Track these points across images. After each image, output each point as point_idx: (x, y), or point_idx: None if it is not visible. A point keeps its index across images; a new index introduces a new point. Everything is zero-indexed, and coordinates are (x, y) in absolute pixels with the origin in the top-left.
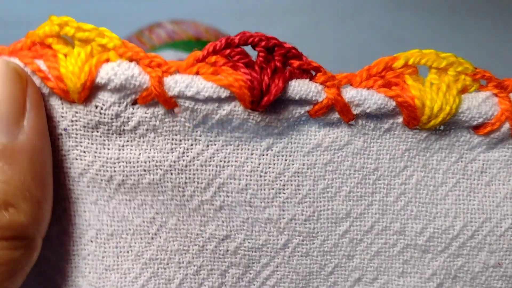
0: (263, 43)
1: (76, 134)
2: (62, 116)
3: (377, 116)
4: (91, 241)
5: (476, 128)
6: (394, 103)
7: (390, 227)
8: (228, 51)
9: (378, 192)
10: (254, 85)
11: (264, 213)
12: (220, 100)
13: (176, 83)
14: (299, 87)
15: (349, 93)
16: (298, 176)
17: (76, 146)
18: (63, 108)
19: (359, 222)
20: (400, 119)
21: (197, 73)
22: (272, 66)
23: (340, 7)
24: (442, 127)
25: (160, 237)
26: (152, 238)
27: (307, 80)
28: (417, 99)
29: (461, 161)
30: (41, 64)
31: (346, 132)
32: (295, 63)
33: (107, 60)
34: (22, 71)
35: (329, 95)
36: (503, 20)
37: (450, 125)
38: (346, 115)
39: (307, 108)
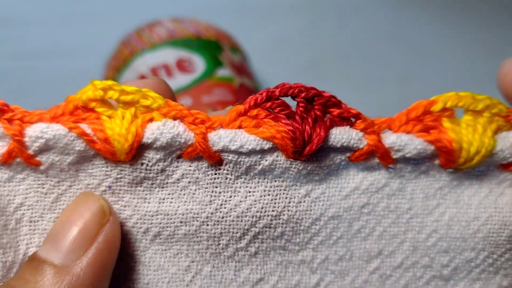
0: (303, 94)
1: (120, 190)
2: (107, 174)
3: (415, 159)
4: None
5: (504, 166)
6: (432, 147)
7: (419, 262)
8: (269, 104)
9: (410, 230)
10: (296, 135)
11: (297, 256)
12: (263, 152)
13: (220, 138)
14: (340, 135)
15: (390, 139)
16: (334, 220)
17: (118, 201)
18: (107, 167)
19: (390, 259)
20: (436, 161)
21: (240, 127)
22: (312, 116)
23: (341, 6)
24: None
25: (195, 284)
26: (187, 285)
27: (348, 127)
28: (454, 143)
29: (492, 195)
30: (85, 127)
31: (383, 175)
32: (335, 111)
33: (151, 120)
34: (107, 210)
35: (370, 142)
36: (506, 18)
37: (483, 163)
38: (386, 160)
39: (348, 154)
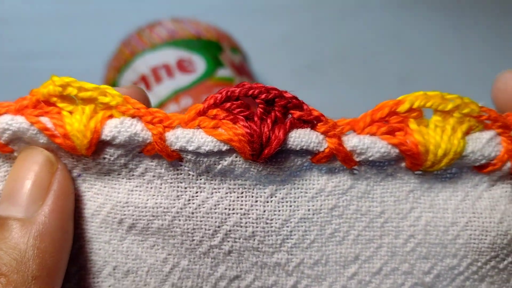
0: (263, 96)
1: (90, 178)
2: (74, 164)
3: (380, 162)
4: (110, 275)
5: (478, 168)
6: (397, 151)
7: (398, 268)
8: (228, 104)
9: (386, 235)
10: (253, 138)
11: (272, 258)
12: (221, 153)
13: (177, 139)
14: (299, 138)
15: (351, 142)
16: (305, 222)
17: (91, 188)
18: (73, 158)
19: (368, 264)
20: (403, 164)
21: (198, 126)
22: (272, 117)
23: (341, 6)
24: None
25: (174, 275)
26: (167, 276)
27: (308, 129)
28: (420, 145)
29: (468, 199)
30: (47, 121)
31: (348, 177)
32: (296, 113)
33: (111, 116)
34: (53, 159)
35: (330, 145)
36: (505, 19)
37: (453, 165)
38: (348, 162)
39: (309, 157)
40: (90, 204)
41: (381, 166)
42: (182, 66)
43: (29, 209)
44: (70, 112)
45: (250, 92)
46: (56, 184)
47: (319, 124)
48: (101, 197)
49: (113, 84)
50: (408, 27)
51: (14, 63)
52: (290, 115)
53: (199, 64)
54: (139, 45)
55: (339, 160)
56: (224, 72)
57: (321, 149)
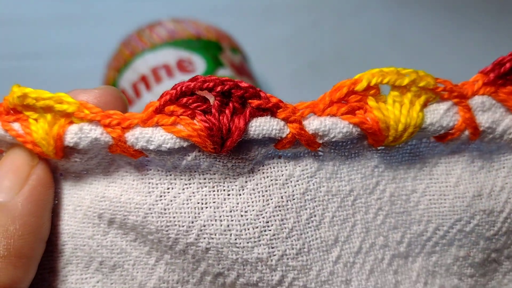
0: (218, 88)
1: (70, 176)
2: (55, 165)
3: (343, 142)
4: (97, 270)
5: (437, 138)
6: (359, 129)
7: (375, 243)
8: (184, 99)
9: (358, 212)
10: (213, 132)
11: (252, 253)
12: (183, 149)
13: (137, 139)
14: (260, 127)
15: (313, 125)
16: (280, 210)
17: (74, 185)
18: (51, 160)
19: (348, 245)
20: (365, 142)
21: (157, 124)
22: (231, 108)
23: (341, 6)
24: None
25: (160, 268)
26: (152, 269)
27: (269, 117)
28: (381, 122)
29: (426, 167)
30: (19, 128)
31: (314, 159)
32: (254, 102)
33: (71, 122)
34: (35, 155)
35: (292, 130)
36: (505, 19)
37: (413, 137)
38: (312, 145)
39: (272, 144)
40: (73, 200)
41: (345, 146)
42: (182, 66)
43: (6, 195)
44: (36, 120)
45: (205, 85)
46: (34, 176)
47: (279, 111)
48: (82, 193)
49: (113, 84)
50: (408, 27)
51: (14, 63)
52: (248, 105)
53: (199, 64)
54: (139, 45)
55: (303, 144)
56: (224, 72)
57: (284, 135)
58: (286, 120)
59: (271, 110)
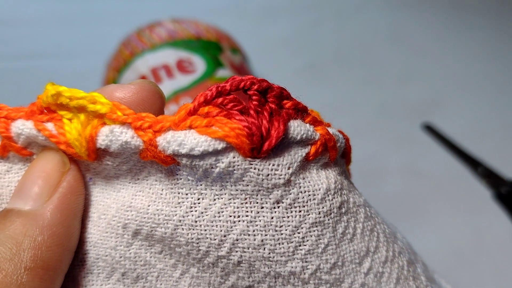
0: (255, 86)
1: (100, 181)
2: (86, 168)
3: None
4: (119, 281)
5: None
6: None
7: (395, 250)
8: (220, 99)
9: (377, 221)
10: (252, 131)
11: (286, 267)
12: (217, 153)
13: (169, 143)
14: (298, 128)
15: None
16: (317, 226)
17: (102, 192)
18: (83, 161)
19: (377, 255)
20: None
21: (190, 127)
22: (268, 109)
23: (341, 6)
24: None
25: (185, 281)
26: (177, 282)
27: (299, 120)
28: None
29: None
30: (52, 128)
31: (340, 168)
32: (288, 103)
33: (104, 124)
34: (66, 160)
35: (321, 133)
36: (505, 19)
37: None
38: (332, 152)
39: (307, 150)
40: (99, 208)
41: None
42: (182, 67)
43: (35, 203)
44: (70, 120)
45: (242, 84)
46: (65, 183)
47: (306, 115)
48: (108, 201)
49: None
50: (408, 27)
51: (14, 63)
52: (283, 106)
53: (199, 64)
54: (138, 46)
55: (329, 148)
56: (224, 73)
57: (316, 138)
58: (313, 124)
59: (303, 112)
